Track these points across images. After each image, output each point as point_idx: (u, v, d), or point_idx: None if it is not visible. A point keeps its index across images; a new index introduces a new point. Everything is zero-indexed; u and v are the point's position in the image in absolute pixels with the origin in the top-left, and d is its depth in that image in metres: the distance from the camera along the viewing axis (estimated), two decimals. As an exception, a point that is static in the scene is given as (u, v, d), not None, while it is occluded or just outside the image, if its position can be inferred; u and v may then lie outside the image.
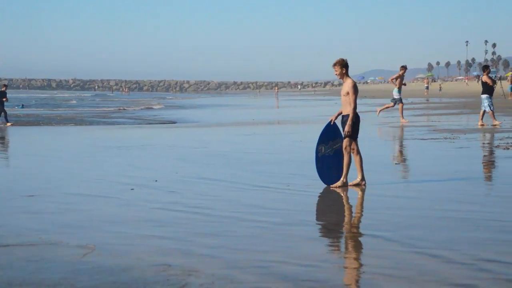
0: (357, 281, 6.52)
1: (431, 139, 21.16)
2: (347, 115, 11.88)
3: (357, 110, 11.95)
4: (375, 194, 11.27)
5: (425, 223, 9.05)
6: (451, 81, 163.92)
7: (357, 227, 8.82)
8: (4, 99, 35.25)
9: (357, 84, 12.03)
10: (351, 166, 11.98)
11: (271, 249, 7.76)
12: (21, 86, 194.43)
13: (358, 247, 7.82)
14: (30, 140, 25.26)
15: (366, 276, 6.62)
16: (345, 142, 11.88)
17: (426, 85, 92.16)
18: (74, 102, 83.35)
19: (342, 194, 11.39)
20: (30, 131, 30.80)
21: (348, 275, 6.73)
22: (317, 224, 9.41)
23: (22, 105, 59.57)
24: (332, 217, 9.70)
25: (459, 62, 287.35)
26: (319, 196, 11.33)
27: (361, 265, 7.02)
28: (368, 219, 9.35)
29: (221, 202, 10.72)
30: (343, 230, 8.77)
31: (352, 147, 11.92)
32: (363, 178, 12.00)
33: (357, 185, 11.95)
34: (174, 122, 37.44)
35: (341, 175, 11.98)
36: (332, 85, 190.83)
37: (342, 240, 8.20)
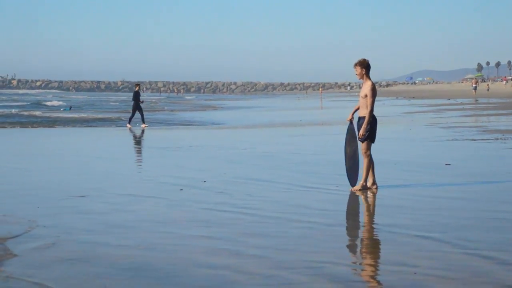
0: (409, 282, 6.43)
1: (482, 139, 20.88)
2: (364, 118, 11.66)
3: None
4: (425, 195, 11.15)
5: (477, 224, 8.91)
6: (500, 81, 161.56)
7: (408, 228, 8.71)
8: (139, 101, 33.68)
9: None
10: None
11: (320, 249, 7.71)
12: (70, 88, 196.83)
13: (408, 248, 7.72)
14: (84, 141, 25.53)
15: (418, 277, 6.53)
16: (364, 146, 11.65)
17: (474, 85, 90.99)
18: (158, 104, 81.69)
19: (391, 195, 11.27)
20: (89, 132, 31.10)
21: (399, 276, 6.64)
22: (366, 224, 9.33)
23: (70, 107, 59.89)
24: (381, 218, 9.60)
25: (509, 62, 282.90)
26: (367, 197, 11.24)
27: (412, 266, 6.93)
28: (418, 220, 9.23)
29: (269, 203, 10.70)
30: (393, 230, 8.67)
31: (363, 150, 11.67)
32: (365, 181, 11.69)
33: (359, 190, 11.68)
34: (223, 124, 37.51)
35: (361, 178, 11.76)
36: (380, 86, 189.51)
37: (392, 241, 8.11)
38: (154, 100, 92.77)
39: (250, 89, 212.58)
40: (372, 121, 11.65)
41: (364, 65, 11.59)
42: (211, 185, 12.58)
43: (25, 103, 69.51)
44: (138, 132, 29.93)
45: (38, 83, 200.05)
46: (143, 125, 33.08)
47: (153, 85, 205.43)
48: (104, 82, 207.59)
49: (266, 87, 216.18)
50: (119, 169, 15.70)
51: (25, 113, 48.71)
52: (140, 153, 19.55)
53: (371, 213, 10.14)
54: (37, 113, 48.61)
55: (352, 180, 11.91)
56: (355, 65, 11.66)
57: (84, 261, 7.38)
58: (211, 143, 22.51)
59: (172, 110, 60.83)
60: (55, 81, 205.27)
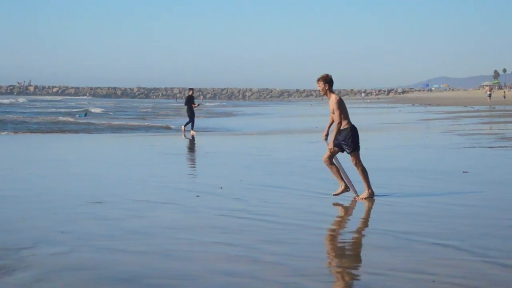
0: (426, 291, 6.40)
1: (499, 147, 20.77)
2: (344, 129, 11.54)
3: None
4: (442, 203, 11.09)
5: (495, 232, 8.86)
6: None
7: (424, 236, 8.66)
8: (193, 105, 32.90)
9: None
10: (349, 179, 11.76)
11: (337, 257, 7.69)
12: (87, 94, 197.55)
13: (426, 255, 7.68)
14: (100, 147, 25.62)
15: (436, 286, 6.50)
16: (354, 158, 11.57)
17: (488, 93, 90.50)
18: (182, 111, 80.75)
19: (407, 203, 11.22)
20: (108, 138, 31.15)
21: (417, 284, 6.61)
22: (383, 232, 9.28)
23: (85, 114, 59.73)
24: (398, 225, 9.55)
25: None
26: (384, 204, 11.19)
27: (430, 274, 6.89)
28: (436, 227, 9.19)
29: (286, 210, 10.68)
30: (409, 238, 8.63)
31: (354, 161, 11.60)
32: (369, 188, 11.66)
33: (366, 198, 11.61)
34: (239, 130, 37.53)
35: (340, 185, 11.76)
36: (396, 92, 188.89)
37: (410, 249, 8.07)
38: (175, 106, 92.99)
39: (266, 95, 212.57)
40: (353, 131, 11.56)
41: (327, 81, 11.53)
42: (228, 192, 12.57)
43: (74, 110, 69.44)
44: (172, 138, 29.93)
45: (54, 89, 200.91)
46: (192, 132, 32.27)
47: (168, 91, 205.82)
48: (120, 88, 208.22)
49: (281, 93, 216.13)
50: (135, 175, 15.71)
51: (93, 120, 48.25)
52: (157, 159, 19.55)
53: (387, 220, 10.08)
54: (97, 121, 47.60)
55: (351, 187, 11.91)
56: (318, 80, 11.60)
57: (100, 268, 7.38)
58: (227, 150, 22.52)
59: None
60: (72, 87, 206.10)
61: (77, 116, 55.89)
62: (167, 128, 41.57)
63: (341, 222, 9.67)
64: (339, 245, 8.29)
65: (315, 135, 29.83)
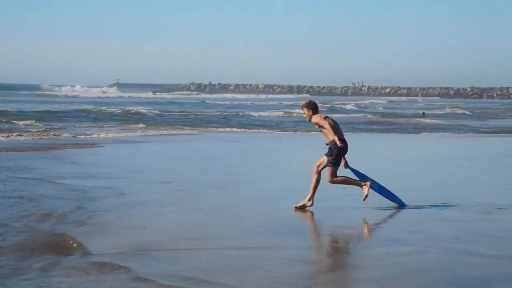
0: None
1: None
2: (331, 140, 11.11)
3: None
4: None
5: None
6: None
7: None
8: None
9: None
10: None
11: None
12: (419, 94, 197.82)
13: None
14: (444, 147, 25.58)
15: None
16: (329, 172, 11.14)
17: None
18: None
19: None
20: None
21: None
22: None
23: (423, 113, 59.62)
24: None
25: None
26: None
27: None
28: None
29: None
30: None
31: (327, 173, 11.13)
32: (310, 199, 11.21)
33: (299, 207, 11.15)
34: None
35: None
36: None
37: None
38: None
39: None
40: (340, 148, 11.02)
41: (310, 106, 11.25)
42: None
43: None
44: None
45: (387, 90, 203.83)
46: None
47: (504, 91, 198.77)
48: (452, 88, 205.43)
49: None
50: (481, 176, 15.47)
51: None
52: (494, 161, 19.08)
53: None
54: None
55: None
56: (302, 107, 11.49)
57: (447, 270, 7.42)
58: None
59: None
60: (404, 88, 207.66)
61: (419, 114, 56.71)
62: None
63: None
64: None
65: None
